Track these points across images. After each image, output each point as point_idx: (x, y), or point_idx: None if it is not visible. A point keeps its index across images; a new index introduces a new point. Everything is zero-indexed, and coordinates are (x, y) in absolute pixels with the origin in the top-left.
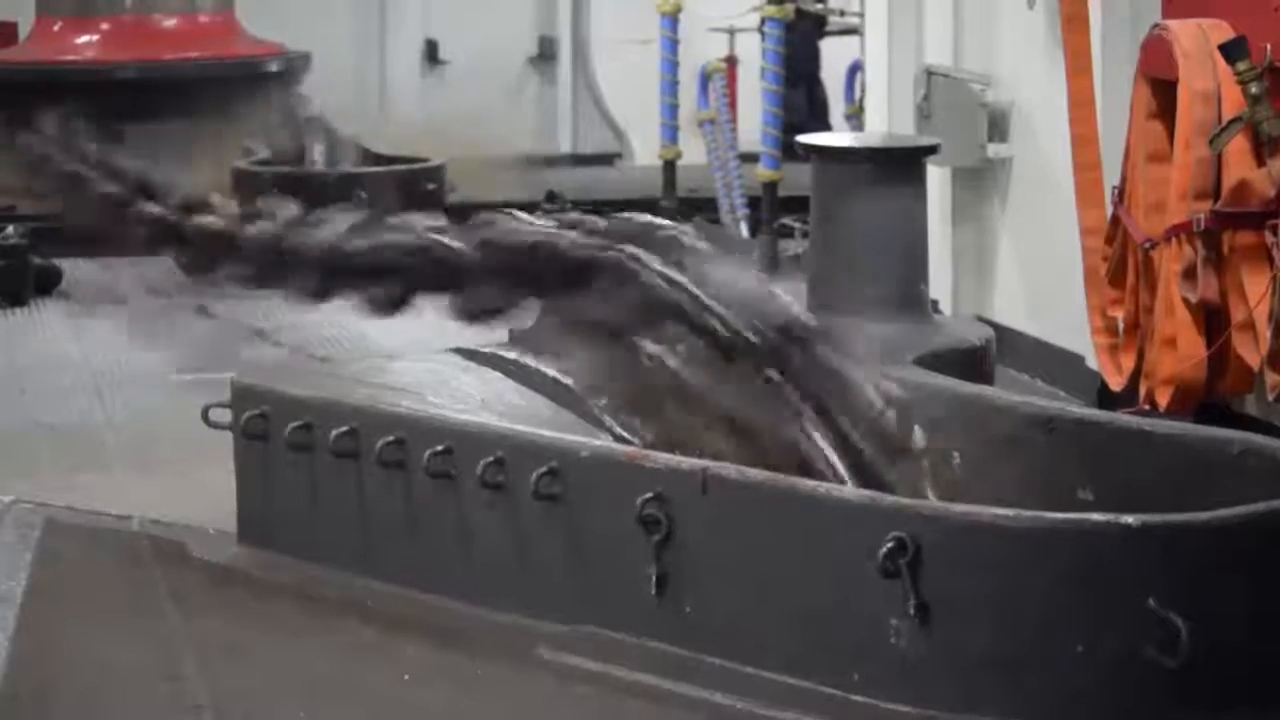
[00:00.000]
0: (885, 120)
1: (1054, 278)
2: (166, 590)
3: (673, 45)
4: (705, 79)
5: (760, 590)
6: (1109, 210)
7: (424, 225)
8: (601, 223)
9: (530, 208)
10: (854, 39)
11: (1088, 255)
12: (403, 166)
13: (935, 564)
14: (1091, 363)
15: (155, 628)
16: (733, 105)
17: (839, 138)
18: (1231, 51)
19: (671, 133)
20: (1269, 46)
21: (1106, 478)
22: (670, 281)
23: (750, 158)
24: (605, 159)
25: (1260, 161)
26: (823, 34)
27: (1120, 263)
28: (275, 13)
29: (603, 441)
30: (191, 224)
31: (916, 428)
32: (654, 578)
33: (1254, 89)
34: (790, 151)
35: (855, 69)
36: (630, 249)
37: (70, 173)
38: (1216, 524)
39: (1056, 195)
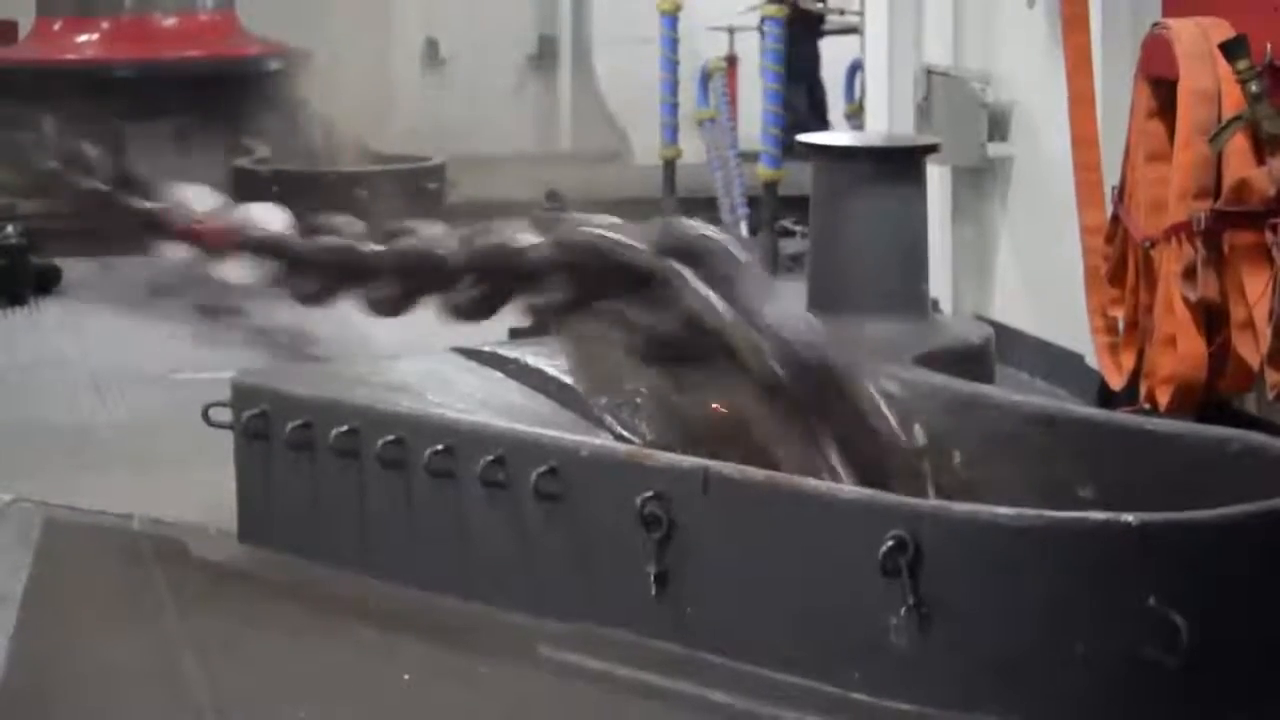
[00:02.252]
0: (885, 119)
1: (1054, 277)
2: (167, 589)
3: (673, 44)
4: (705, 78)
5: (760, 589)
6: (1109, 209)
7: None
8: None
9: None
10: (854, 38)
11: (1088, 254)
12: (404, 165)
13: (935, 563)
14: (1091, 362)
15: (155, 627)
16: (733, 104)
17: (839, 137)
18: (1231, 50)
19: (671, 132)
20: (1269, 45)
21: (1106, 476)
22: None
23: (751, 157)
24: (605, 158)
25: (1260, 160)
26: (821, 33)
27: (1120, 262)
28: (276, 11)
29: (603, 440)
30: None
31: (917, 426)
32: (654, 576)
33: (1254, 87)
34: (791, 150)
35: (855, 68)
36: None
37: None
38: (1217, 522)
39: (1056, 194)
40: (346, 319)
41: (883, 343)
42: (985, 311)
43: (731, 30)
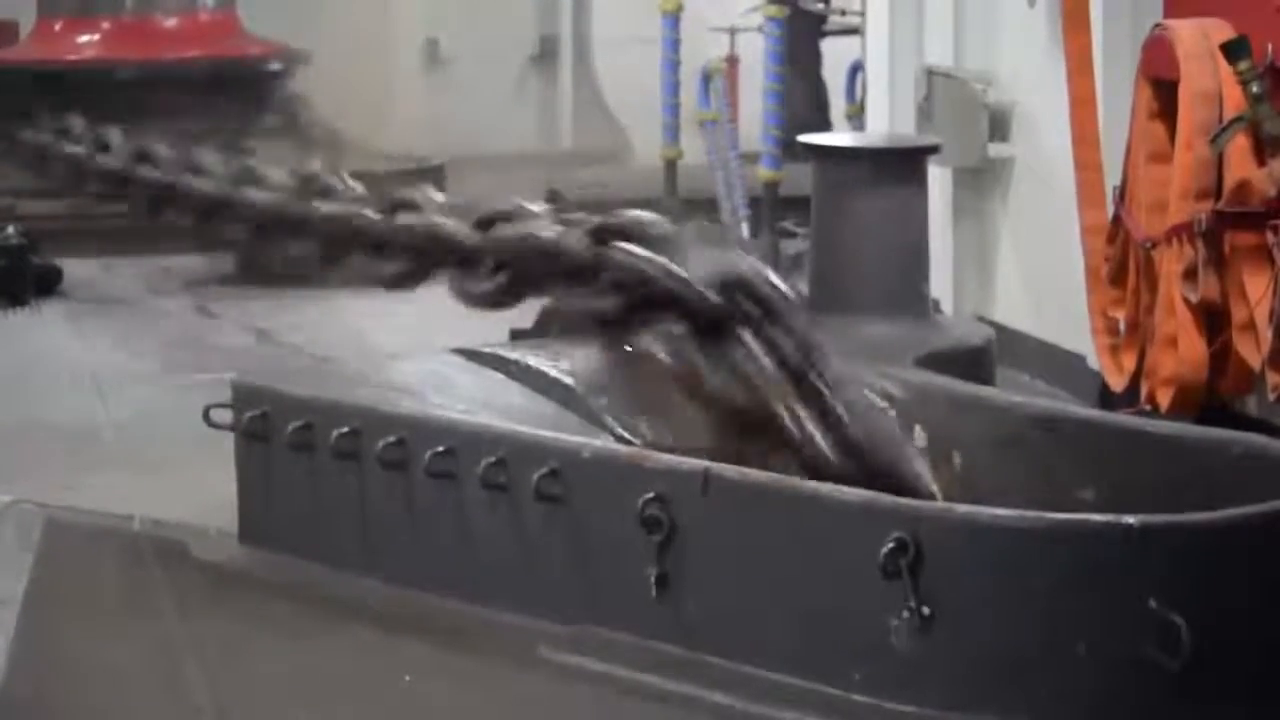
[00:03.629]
0: (886, 120)
1: (1055, 278)
2: (167, 590)
3: (674, 45)
4: (706, 79)
5: (761, 590)
6: (1110, 210)
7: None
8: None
9: None
10: (854, 39)
11: (1089, 255)
12: (404, 166)
13: (936, 564)
14: (1093, 363)
15: (156, 628)
16: (734, 105)
17: (840, 137)
18: (1233, 51)
19: (673, 132)
20: (1270, 46)
21: (1107, 478)
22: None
23: (752, 158)
24: (606, 158)
25: (1261, 161)
26: (823, 33)
27: (1121, 263)
28: (277, 12)
29: (604, 442)
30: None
31: (917, 427)
32: (655, 578)
33: (1255, 89)
34: (792, 151)
35: (856, 69)
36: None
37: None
38: (1217, 525)
39: (1058, 195)
40: (346, 319)
41: (883, 343)
42: (986, 312)
43: (733, 31)
